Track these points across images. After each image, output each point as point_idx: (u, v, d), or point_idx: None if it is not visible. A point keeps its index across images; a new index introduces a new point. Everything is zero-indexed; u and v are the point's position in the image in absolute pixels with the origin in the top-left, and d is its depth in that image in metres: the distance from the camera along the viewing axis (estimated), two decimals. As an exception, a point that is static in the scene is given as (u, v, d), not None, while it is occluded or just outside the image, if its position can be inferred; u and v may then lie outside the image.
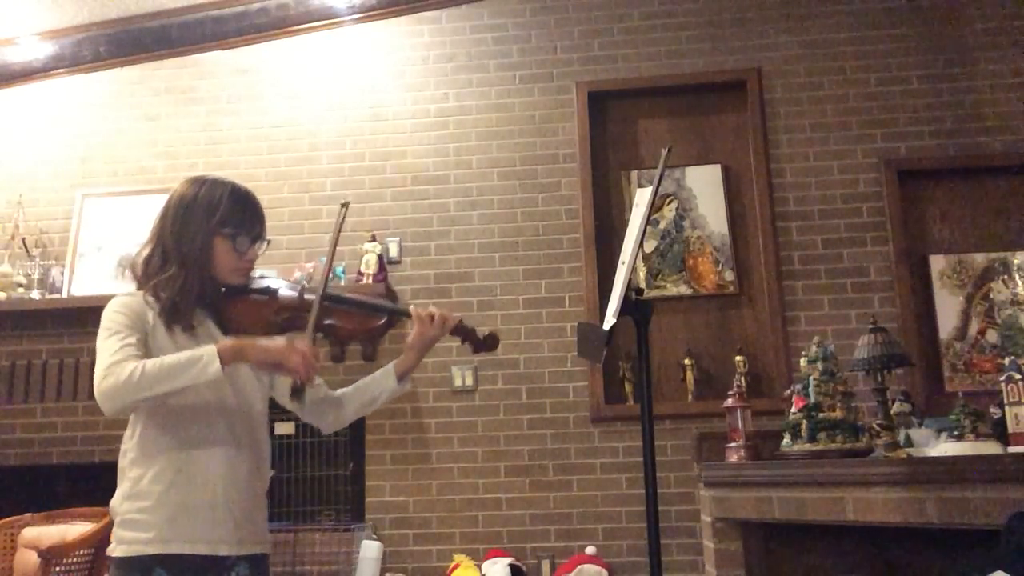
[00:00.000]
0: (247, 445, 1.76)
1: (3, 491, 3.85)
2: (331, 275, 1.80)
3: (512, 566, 3.53)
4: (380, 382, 1.94)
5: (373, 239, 3.98)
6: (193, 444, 1.68)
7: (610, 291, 1.88)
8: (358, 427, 3.91)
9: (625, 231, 1.95)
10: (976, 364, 3.80)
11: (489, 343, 2.00)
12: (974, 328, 3.83)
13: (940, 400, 3.64)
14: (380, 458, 3.90)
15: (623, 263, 1.85)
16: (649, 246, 4.06)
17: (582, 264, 3.99)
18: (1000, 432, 2.48)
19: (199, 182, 1.81)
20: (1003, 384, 2.41)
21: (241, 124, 4.29)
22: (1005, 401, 2.41)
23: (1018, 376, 2.37)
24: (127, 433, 1.72)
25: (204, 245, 1.74)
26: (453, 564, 3.63)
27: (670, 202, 4.09)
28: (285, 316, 1.79)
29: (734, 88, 4.13)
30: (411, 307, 1.93)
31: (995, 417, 2.59)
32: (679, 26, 4.19)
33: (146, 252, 1.78)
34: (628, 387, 3.89)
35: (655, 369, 3.88)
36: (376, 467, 3.89)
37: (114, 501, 1.70)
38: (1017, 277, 3.86)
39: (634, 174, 4.15)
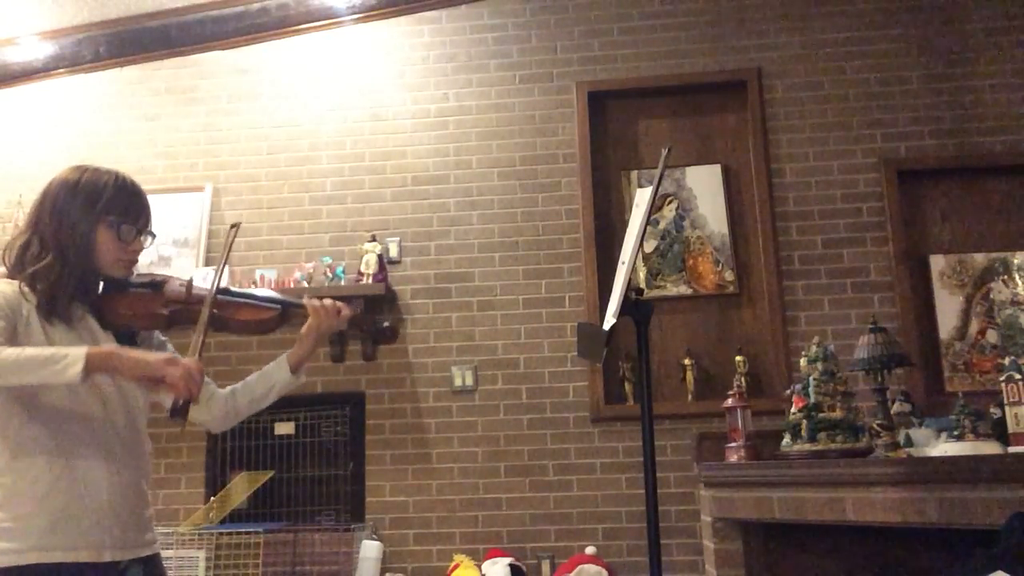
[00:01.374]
0: (130, 442, 1.69)
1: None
2: (220, 279, 1.78)
3: (512, 566, 3.53)
4: (273, 375, 1.87)
5: (373, 239, 3.98)
6: (73, 445, 1.58)
7: (610, 291, 1.88)
8: (358, 427, 3.92)
9: (625, 231, 1.95)
10: (976, 364, 3.80)
11: (388, 334, 1.96)
12: (974, 328, 3.83)
13: (940, 400, 3.63)
14: (380, 458, 3.90)
15: (623, 263, 1.85)
16: (649, 246, 4.06)
17: (582, 264, 3.99)
18: (1000, 432, 2.48)
19: (81, 169, 1.72)
20: (1003, 384, 2.41)
21: (241, 124, 4.29)
22: (1005, 401, 2.41)
23: (1018, 376, 2.37)
24: None
25: (86, 234, 1.66)
26: (453, 564, 3.63)
27: (670, 202, 4.09)
28: (171, 309, 1.73)
29: (734, 88, 4.13)
30: (304, 298, 1.86)
31: (995, 417, 2.58)
32: (679, 26, 4.19)
33: (23, 239, 1.67)
34: (628, 387, 3.89)
35: (655, 369, 3.88)
36: (376, 467, 3.89)
37: None
38: (1017, 277, 3.86)
39: (634, 174, 4.15)
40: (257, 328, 1.87)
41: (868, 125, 4.03)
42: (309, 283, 3.92)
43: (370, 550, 3.61)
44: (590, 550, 3.64)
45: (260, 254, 4.12)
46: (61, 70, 4.40)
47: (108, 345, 1.50)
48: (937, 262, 3.89)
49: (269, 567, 3.53)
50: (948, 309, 3.85)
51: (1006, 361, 2.47)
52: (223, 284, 1.81)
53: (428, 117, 4.21)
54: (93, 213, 1.67)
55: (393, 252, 4.06)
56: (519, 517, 3.79)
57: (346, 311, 1.87)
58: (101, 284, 1.71)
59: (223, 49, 4.36)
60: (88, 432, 1.61)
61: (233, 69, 4.35)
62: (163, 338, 1.88)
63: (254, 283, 3.92)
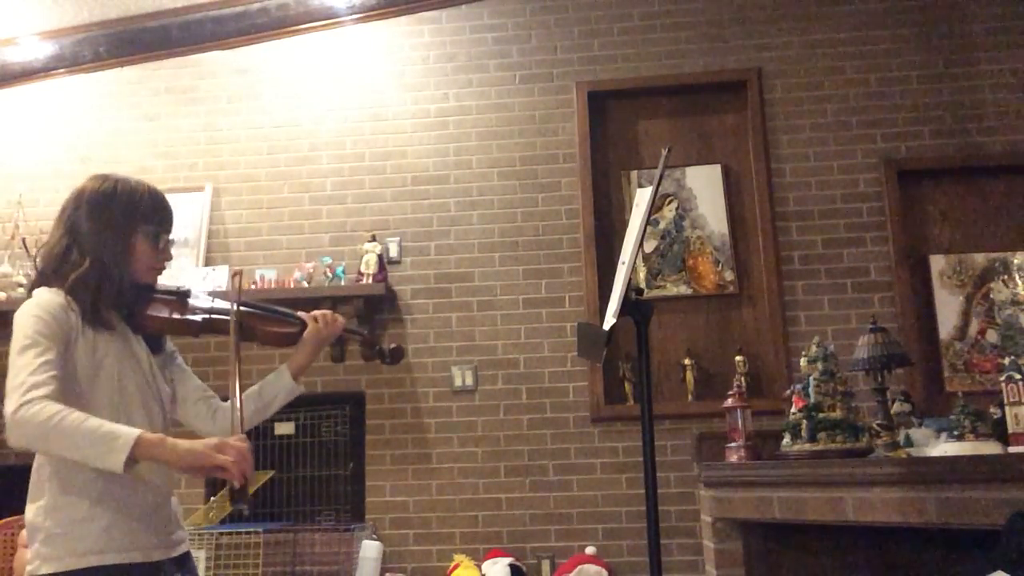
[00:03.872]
0: None
1: (3, 491, 3.84)
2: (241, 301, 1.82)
3: (512, 566, 3.53)
4: (275, 384, 1.92)
5: (373, 239, 3.98)
6: None
7: (610, 291, 1.88)
8: (358, 427, 3.92)
9: (625, 231, 1.96)
10: (976, 364, 3.80)
11: (392, 357, 2.07)
12: (974, 328, 3.83)
13: (940, 400, 3.64)
14: (380, 458, 3.90)
15: (623, 263, 1.85)
16: (649, 246, 4.06)
17: (582, 264, 3.99)
18: (1000, 432, 2.48)
19: (111, 179, 1.76)
20: (1003, 384, 2.42)
21: (241, 124, 4.29)
22: (1005, 401, 2.42)
23: (1018, 376, 2.37)
24: None
25: (124, 243, 1.70)
26: (453, 564, 3.63)
27: (670, 202, 4.09)
28: (201, 317, 1.79)
29: (734, 88, 4.13)
30: (301, 313, 1.93)
31: (995, 417, 2.59)
32: (679, 26, 4.19)
33: (60, 248, 1.70)
34: (628, 387, 3.89)
35: (655, 369, 3.88)
36: (376, 467, 3.89)
37: (32, 516, 1.60)
38: (1017, 277, 3.86)
39: (634, 174, 4.15)
40: (280, 341, 1.94)
41: (868, 125, 4.03)
42: (309, 283, 3.92)
43: (370, 550, 3.61)
44: (590, 550, 3.64)
45: (260, 254, 4.12)
46: (61, 70, 4.39)
47: (158, 435, 1.50)
48: (937, 262, 3.89)
49: (269, 567, 3.52)
50: (948, 309, 3.85)
51: (1006, 361, 2.48)
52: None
53: (428, 117, 4.21)
54: (132, 222, 1.72)
55: (393, 252, 4.06)
56: (519, 517, 3.79)
57: (339, 322, 1.95)
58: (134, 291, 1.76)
59: (223, 49, 4.36)
60: None
61: (233, 69, 4.35)
62: (173, 348, 1.90)
63: (254, 283, 3.92)
